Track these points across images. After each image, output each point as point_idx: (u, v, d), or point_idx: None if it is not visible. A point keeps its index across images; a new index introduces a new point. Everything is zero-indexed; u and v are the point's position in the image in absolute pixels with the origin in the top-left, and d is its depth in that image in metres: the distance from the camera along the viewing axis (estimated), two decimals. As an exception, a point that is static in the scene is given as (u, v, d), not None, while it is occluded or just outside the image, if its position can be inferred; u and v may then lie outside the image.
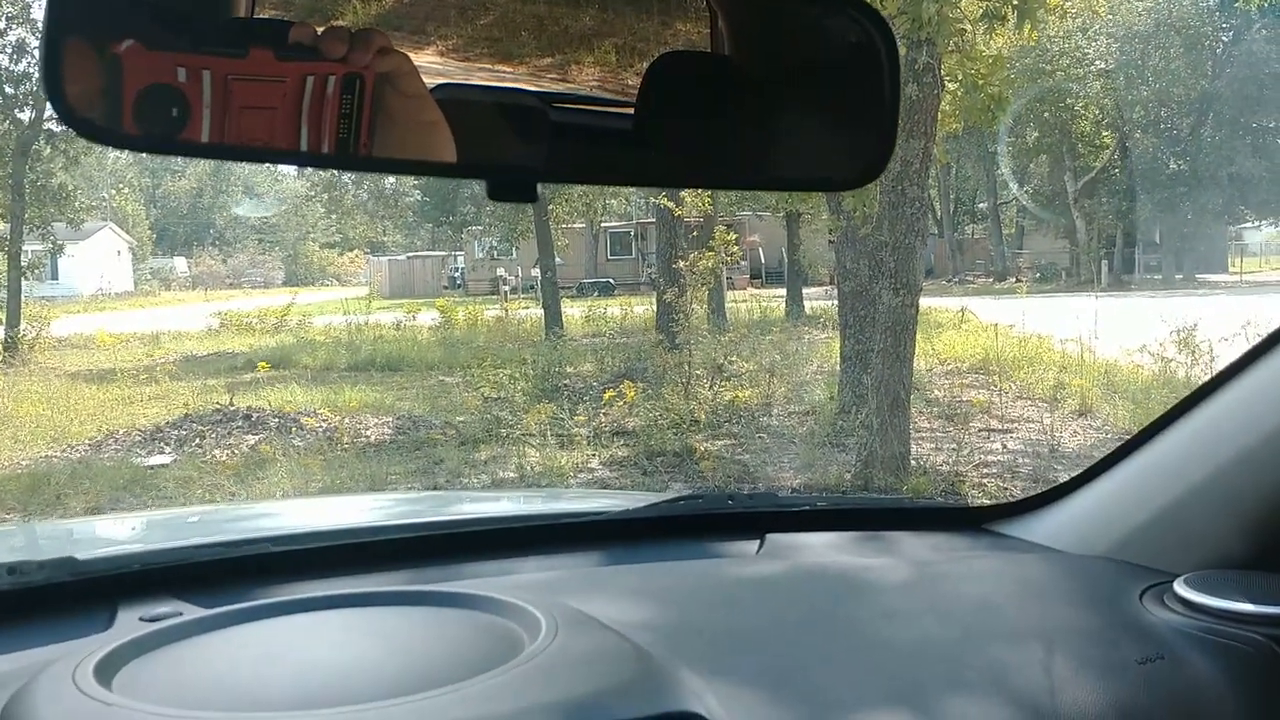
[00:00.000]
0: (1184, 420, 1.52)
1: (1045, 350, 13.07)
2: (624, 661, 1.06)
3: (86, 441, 9.79)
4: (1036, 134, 34.60)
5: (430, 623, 1.15)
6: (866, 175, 0.94)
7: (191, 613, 1.19)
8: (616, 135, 0.94)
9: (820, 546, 1.65)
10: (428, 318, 20.78)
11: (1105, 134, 34.05)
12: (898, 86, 0.90)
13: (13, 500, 7.47)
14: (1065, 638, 1.31)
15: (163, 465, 8.59)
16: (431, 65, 0.85)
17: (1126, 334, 11.94)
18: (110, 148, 0.83)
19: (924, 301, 8.05)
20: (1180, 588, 1.37)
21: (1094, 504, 1.64)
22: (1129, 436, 1.62)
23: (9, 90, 19.50)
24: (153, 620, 1.16)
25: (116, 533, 2.06)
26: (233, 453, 8.93)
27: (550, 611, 1.12)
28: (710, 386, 10.60)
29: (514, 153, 0.93)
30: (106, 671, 0.97)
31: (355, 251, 57.35)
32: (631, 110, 0.91)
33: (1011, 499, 2.72)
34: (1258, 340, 1.43)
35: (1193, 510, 1.49)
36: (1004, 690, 1.18)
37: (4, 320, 18.96)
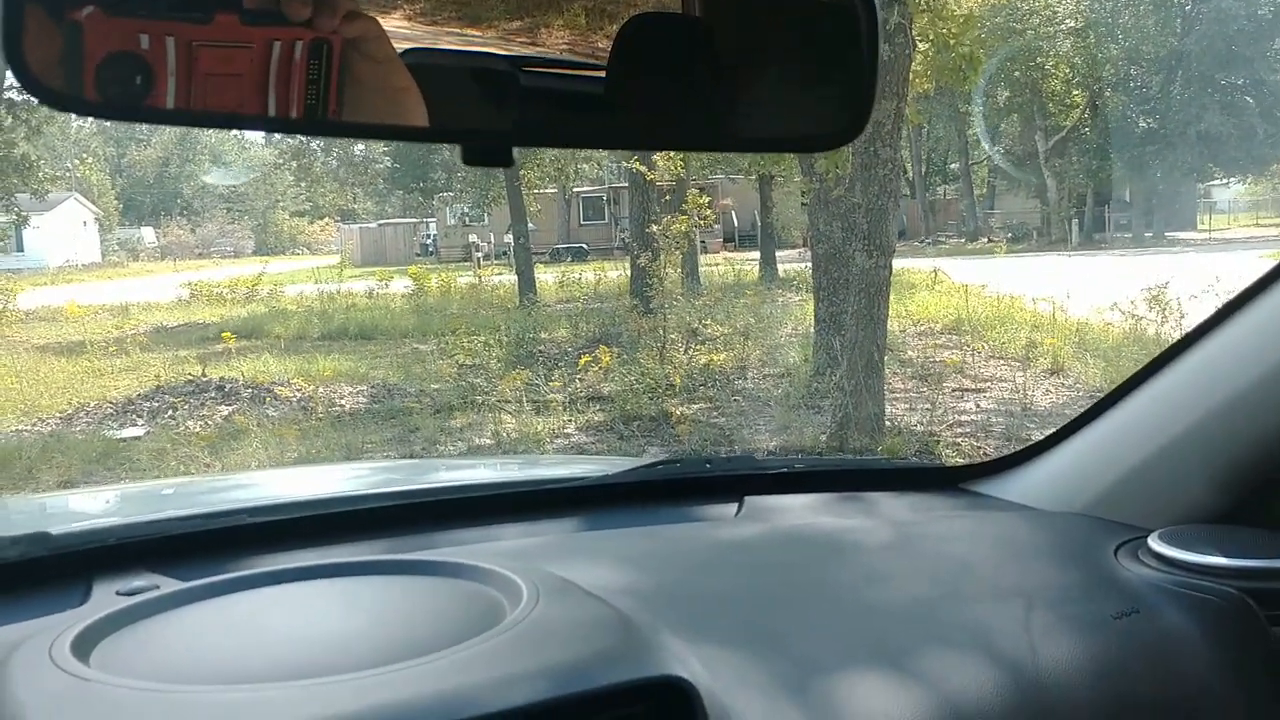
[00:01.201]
0: (1157, 377, 1.53)
1: (1017, 310, 13.15)
2: (606, 628, 1.07)
3: (57, 415, 9.70)
4: (1008, 93, 34.65)
5: (411, 591, 1.14)
6: (844, 136, 0.93)
7: (168, 586, 1.18)
8: (588, 99, 0.92)
9: (799, 508, 1.66)
10: (400, 285, 20.65)
11: (1076, 93, 34.15)
12: (876, 46, 0.89)
13: (-17, 475, 7.40)
14: (1042, 594, 1.32)
15: (135, 438, 8.53)
16: (399, 30, 0.83)
17: (1098, 292, 12.03)
18: (77, 115, 0.81)
19: (897, 263, 8.06)
20: (1154, 543, 1.39)
21: (1069, 462, 1.66)
22: (1100, 394, 1.63)
23: (-32, 59, 19.12)
24: (129, 594, 1.15)
25: (91, 507, 2.04)
26: (206, 424, 8.87)
27: (531, 578, 1.12)
28: (685, 350, 10.62)
29: (485, 117, 0.92)
30: (84, 646, 0.97)
31: (326, 219, 56.79)
32: (603, 74, 0.89)
33: (986, 458, 2.75)
34: (1228, 298, 1.44)
35: (1166, 466, 1.50)
36: (982, 647, 1.19)
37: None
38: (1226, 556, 1.33)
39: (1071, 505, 1.60)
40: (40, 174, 20.96)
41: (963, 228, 38.37)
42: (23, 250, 36.00)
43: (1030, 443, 1.76)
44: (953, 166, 44.85)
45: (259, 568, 1.23)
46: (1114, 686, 1.19)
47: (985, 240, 33.41)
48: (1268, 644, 1.26)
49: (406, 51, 0.82)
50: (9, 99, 19.08)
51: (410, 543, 1.42)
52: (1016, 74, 33.02)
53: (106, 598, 1.16)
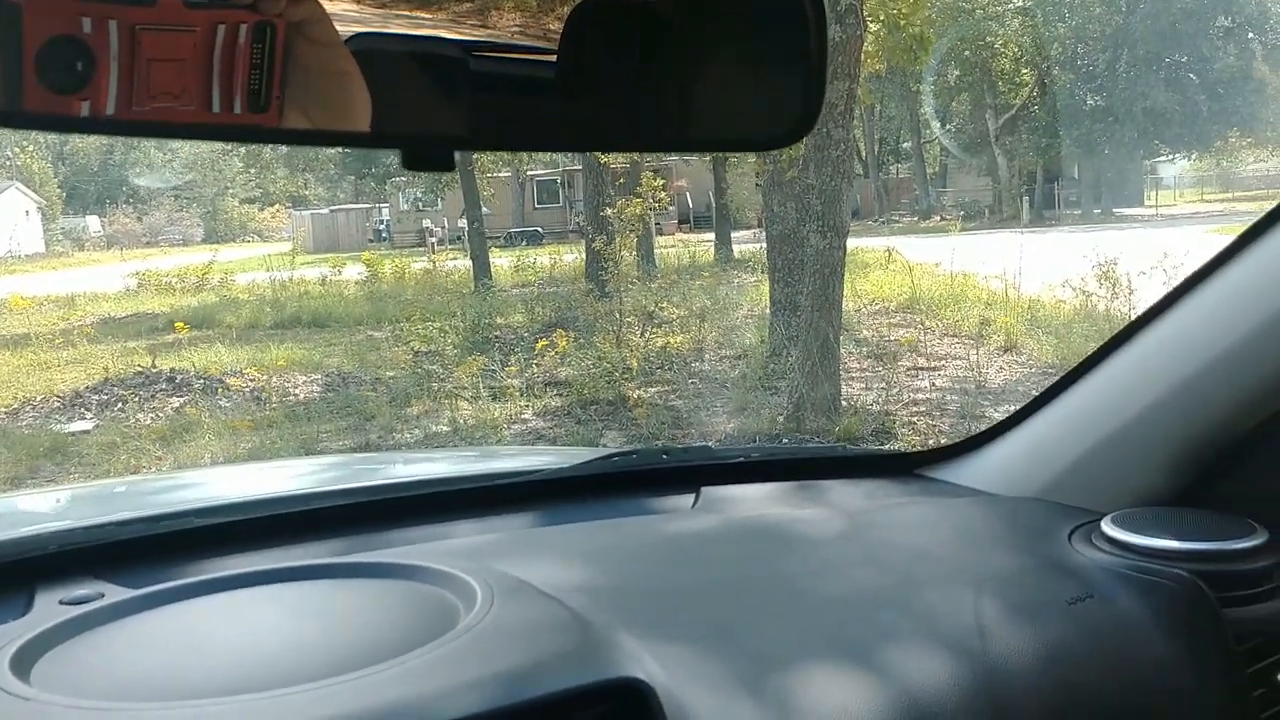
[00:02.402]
0: (1110, 361, 1.54)
1: (971, 288, 13.27)
2: (562, 630, 1.05)
3: (3, 409, 9.53)
4: (958, 73, 34.91)
5: (364, 595, 1.12)
6: (796, 132, 0.91)
7: (114, 594, 1.15)
8: (540, 85, 0.90)
9: (755, 498, 1.65)
10: (354, 272, 20.45)
11: (1024, 71, 34.46)
12: (824, 37, 0.88)
13: (-77, 473, 7.25)
14: (997, 581, 1.32)
15: (84, 431, 8.39)
16: (346, 13, 0.81)
17: (1049, 269, 12.16)
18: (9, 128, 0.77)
19: (851, 242, 8.10)
20: (1107, 526, 1.40)
21: (1023, 446, 1.67)
22: (1052, 370, 1.64)
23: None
24: (73, 603, 1.12)
25: (34, 509, 1.99)
26: (157, 416, 8.75)
27: (486, 580, 1.11)
28: (642, 334, 10.62)
29: (433, 109, 0.89)
30: (23, 663, 0.94)
31: (276, 206, 56.02)
32: (554, 58, 0.87)
33: (941, 443, 2.76)
34: (1176, 273, 1.45)
35: (1120, 449, 1.51)
36: (937, 636, 1.19)
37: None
38: (1179, 539, 1.34)
39: (1026, 490, 1.61)
40: (-21, 163, 20.47)
41: (916, 206, 38.64)
42: (-37, 241, 35.23)
43: (986, 428, 1.77)
44: (905, 146, 45.12)
45: (207, 572, 1.20)
46: (1069, 672, 1.20)
47: (938, 218, 33.67)
48: (1219, 626, 1.28)
49: (353, 36, 0.80)
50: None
51: (363, 542, 1.40)
52: (966, 53, 33.25)
53: (49, 608, 1.13)
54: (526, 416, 8.18)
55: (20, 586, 1.20)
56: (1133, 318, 1.54)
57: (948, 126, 38.20)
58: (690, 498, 1.64)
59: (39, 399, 9.79)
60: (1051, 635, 1.23)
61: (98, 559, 1.27)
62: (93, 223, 53.98)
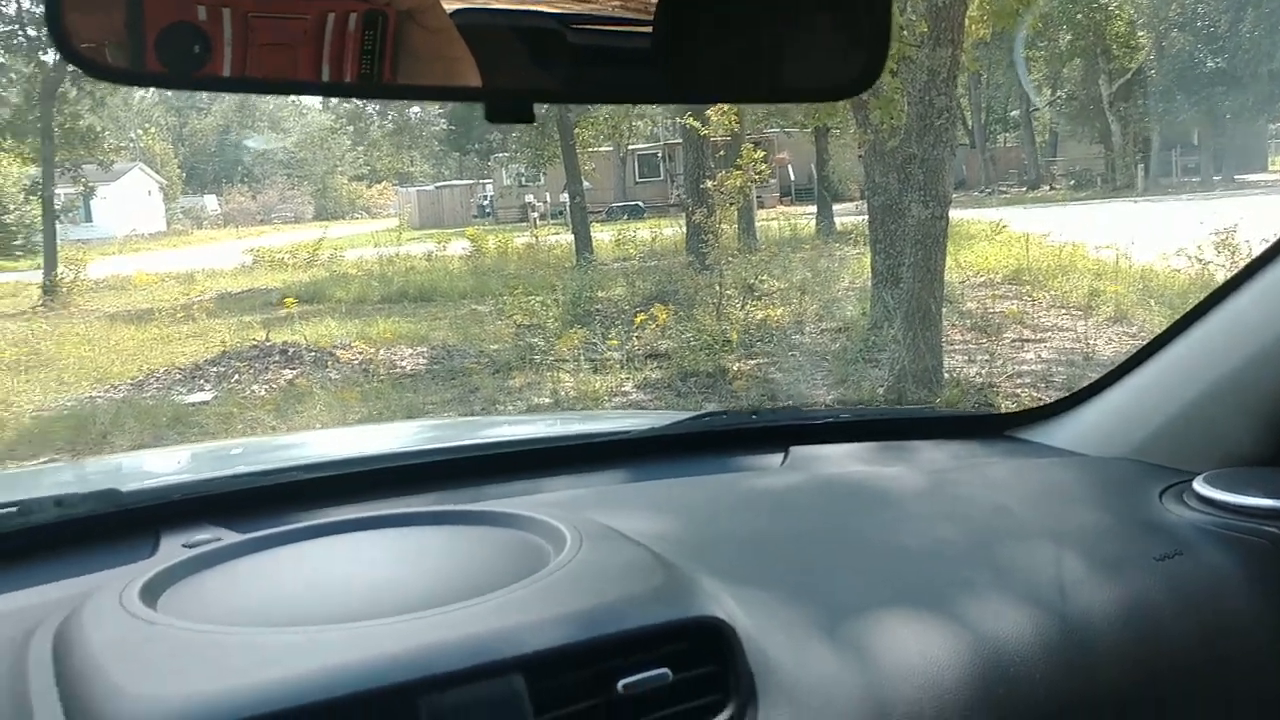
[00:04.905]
0: (1203, 321, 1.52)
1: (1080, 258, 12.91)
2: (646, 571, 1.10)
3: (128, 381, 9.94)
4: (1070, 37, 33.73)
5: (459, 540, 1.18)
6: (862, 81, 0.93)
7: (230, 538, 1.23)
8: (634, 54, 0.92)
9: (843, 457, 1.67)
10: (458, 247, 20.77)
11: (1140, 34, 33.16)
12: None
13: (60, 440, 7.62)
14: (1083, 537, 1.33)
15: (203, 402, 8.71)
16: None
17: (1164, 238, 11.76)
18: (134, 87, 0.84)
19: (956, 213, 7.97)
20: (1199, 485, 1.39)
21: (1116, 407, 1.65)
22: (1157, 340, 1.62)
23: (32, 33, 19.47)
24: (193, 546, 1.20)
25: (159, 465, 2.11)
26: (271, 388, 9.05)
27: (574, 525, 1.16)
28: (742, 306, 10.59)
29: (533, 76, 0.91)
30: (152, 593, 1.02)
31: (383, 183, 57.16)
32: (650, 30, 0.90)
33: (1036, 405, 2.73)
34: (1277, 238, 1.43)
35: (1212, 409, 1.50)
36: (1020, 589, 1.20)
37: (42, 264, 19.20)
38: (1270, 498, 1.32)
39: (1117, 450, 1.60)
40: (105, 145, 21.31)
41: (1024, 176, 37.60)
42: (91, 220, 36.74)
43: (1076, 389, 1.76)
44: (1013, 114, 43.87)
45: (315, 520, 1.27)
46: (1155, 626, 1.20)
47: (1047, 188, 32.75)
48: None
49: (456, 12, 0.83)
50: (73, 71, 19.41)
51: (459, 495, 1.46)
52: (1079, 16, 32.12)
53: (173, 550, 1.22)
54: (627, 389, 8.25)
55: (147, 531, 1.29)
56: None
57: (1059, 93, 37.03)
58: (779, 457, 1.67)
59: (161, 371, 10.20)
60: (1137, 590, 1.23)
61: (216, 507, 1.36)
62: (210, 201, 55.82)
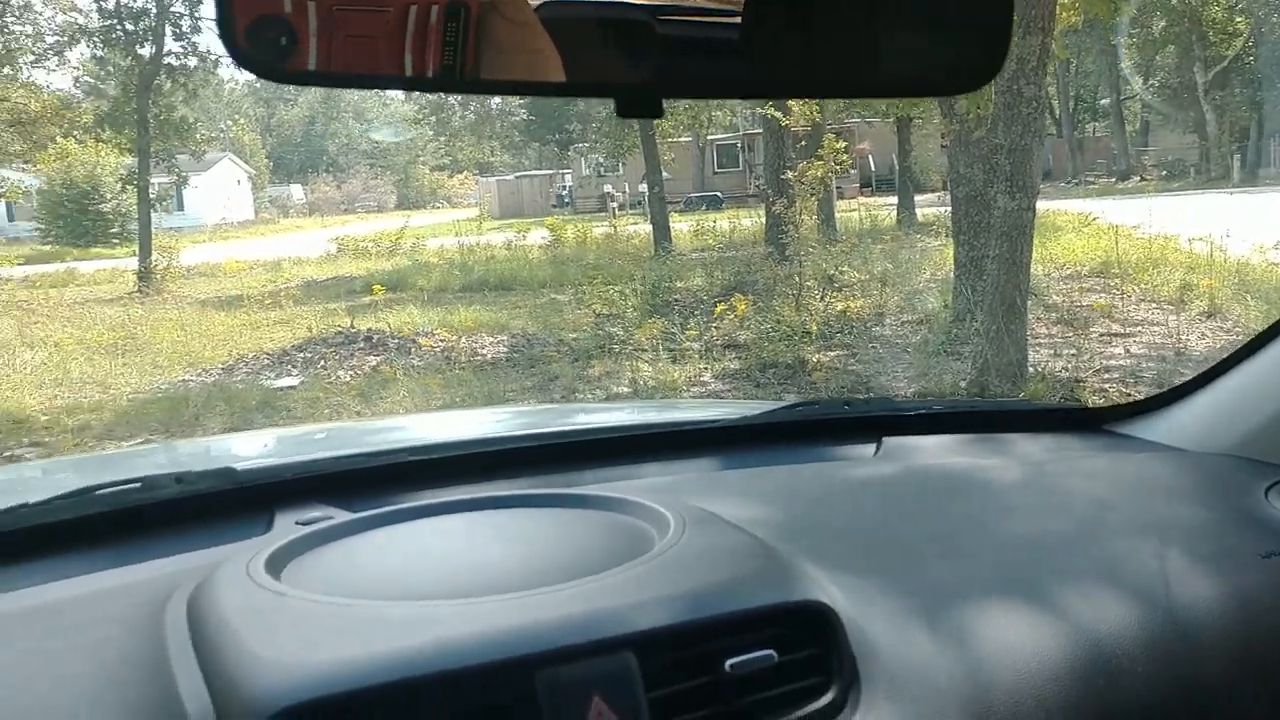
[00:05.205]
0: None
1: (1172, 251, 12.57)
2: (751, 555, 1.12)
3: (219, 365, 10.21)
4: (1163, 23, 32.80)
5: (565, 521, 1.21)
6: (982, 75, 0.92)
7: (341, 516, 1.28)
8: (724, 45, 0.92)
9: (937, 448, 1.67)
10: (537, 236, 20.92)
11: (1239, 19, 32.10)
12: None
13: (155, 422, 7.85)
14: (1186, 532, 1.31)
15: (291, 387, 8.91)
16: None
17: (1261, 231, 11.39)
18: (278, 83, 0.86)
19: (1042, 204, 7.80)
20: None
21: (1217, 402, 1.63)
22: (1257, 336, 1.59)
23: (129, 26, 20.05)
24: (307, 523, 1.25)
25: (268, 446, 2.19)
26: (355, 374, 9.22)
27: (678, 510, 1.18)
28: (821, 297, 10.53)
29: (622, 69, 0.91)
30: (276, 566, 1.07)
31: (464, 173, 57.84)
32: (739, 20, 0.89)
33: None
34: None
35: None
36: (1122, 582, 1.20)
37: (137, 252, 19.82)
38: None
39: (1220, 446, 1.57)
40: (198, 136, 21.87)
41: (1113, 166, 36.68)
42: (183, 209, 37.78)
43: (1176, 384, 1.73)
44: (1103, 102, 42.81)
45: (420, 501, 1.32)
46: (1261, 622, 1.19)
47: (1138, 179, 31.92)
48: None
49: (542, 5, 0.84)
50: (168, 64, 19.99)
51: (557, 480, 1.49)
52: (1173, 2, 31.22)
53: (287, 526, 1.27)
54: (705, 379, 8.26)
55: (262, 509, 1.35)
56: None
57: (1151, 81, 36.03)
58: (872, 447, 1.67)
59: (250, 356, 10.46)
60: (1242, 586, 1.22)
61: (327, 487, 1.41)
62: (296, 191, 57.01)
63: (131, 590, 1.11)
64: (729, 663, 0.95)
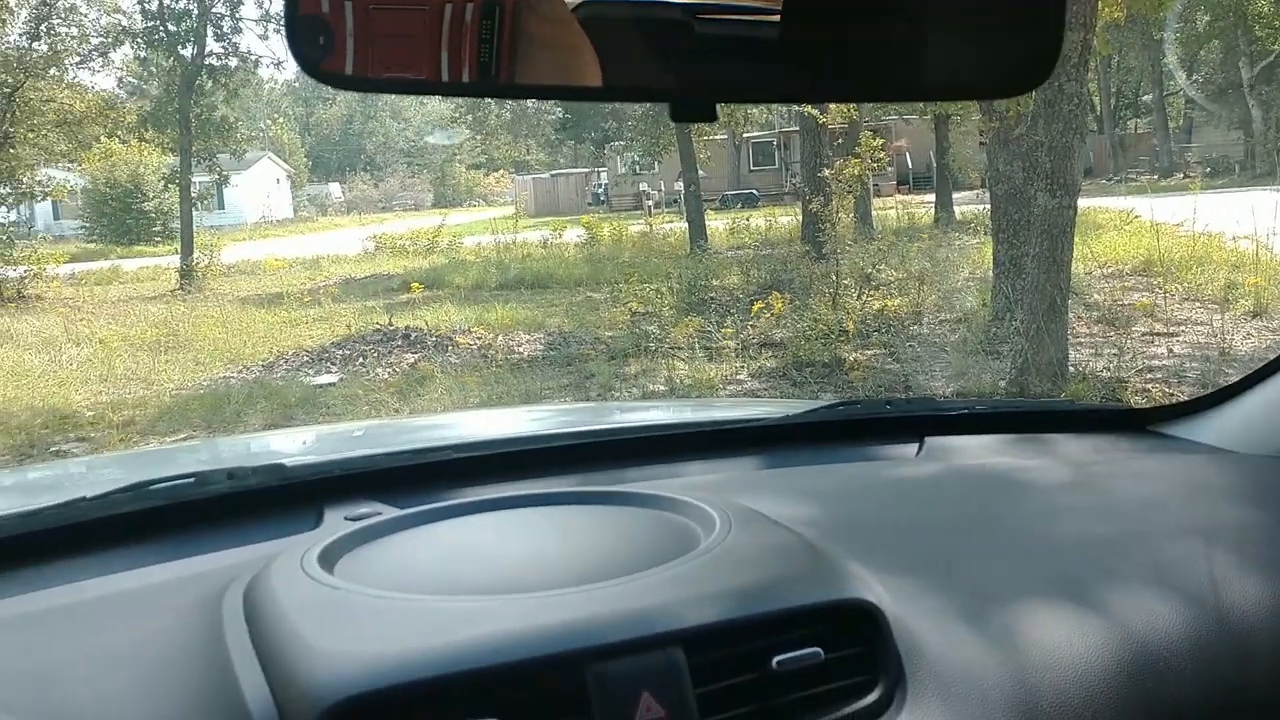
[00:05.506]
0: None
1: (1216, 249, 12.40)
2: (797, 554, 1.12)
3: (259, 362, 10.32)
4: (1208, 18, 32.33)
5: (611, 519, 1.22)
6: (1033, 77, 0.90)
7: (389, 512, 1.30)
8: (764, 45, 0.91)
9: (980, 449, 1.67)
10: (573, 235, 20.98)
11: (1286, 14, 31.60)
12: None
13: (197, 418, 7.96)
14: (1238, 536, 1.30)
15: (330, 384, 8.99)
16: None
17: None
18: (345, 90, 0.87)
19: (1082, 202, 7.72)
20: None
21: (1267, 403, 1.61)
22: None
23: (172, 27, 20.32)
24: (355, 519, 1.27)
25: (306, 444, 2.22)
26: (394, 371, 9.29)
27: (723, 508, 1.19)
28: (858, 296, 10.48)
29: (661, 70, 0.90)
30: (329, 560, 1.09)
31: (500, 171, 58.13)
32: (778, 18, 0.88)
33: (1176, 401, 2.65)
34: None
35: None
36: (1171, 584, 1.19)
37: (179, 250, 20.09)
38: None
39: (1270, 448, 1.56)
40: (238, 135, 22.15)
41: (1155, 163, 36.21)
42: (223, 208, 38.22)
43: (1223, 385, 1.71)
44: (1145, 98, 42.27)
45: (466, 498, 1.33)
46: None
47: (1180, 176, 31.48)
48: None
49: (580, 5, 0.84)
50: (209, 64, 20.24)
51: (599, 478, 1.50)
52: (1218, -4, 30.79)
53: (336, 522, 1.29)
54: (741, 377, 8.25)
55: (311, 504, 1.37)
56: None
57: (1194, 77, 35.52)
58: (914, 447, 1.67)
59: (290, 353, 10.57)
60: None
61: (373, 483, 1.43)
62: (334, 189, 57.52)
63: (187, 583, 1.14)
64: (776, 659, 0.95)
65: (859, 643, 1.01)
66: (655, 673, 0.91)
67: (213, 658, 0.96)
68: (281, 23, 0.79)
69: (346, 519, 1.29)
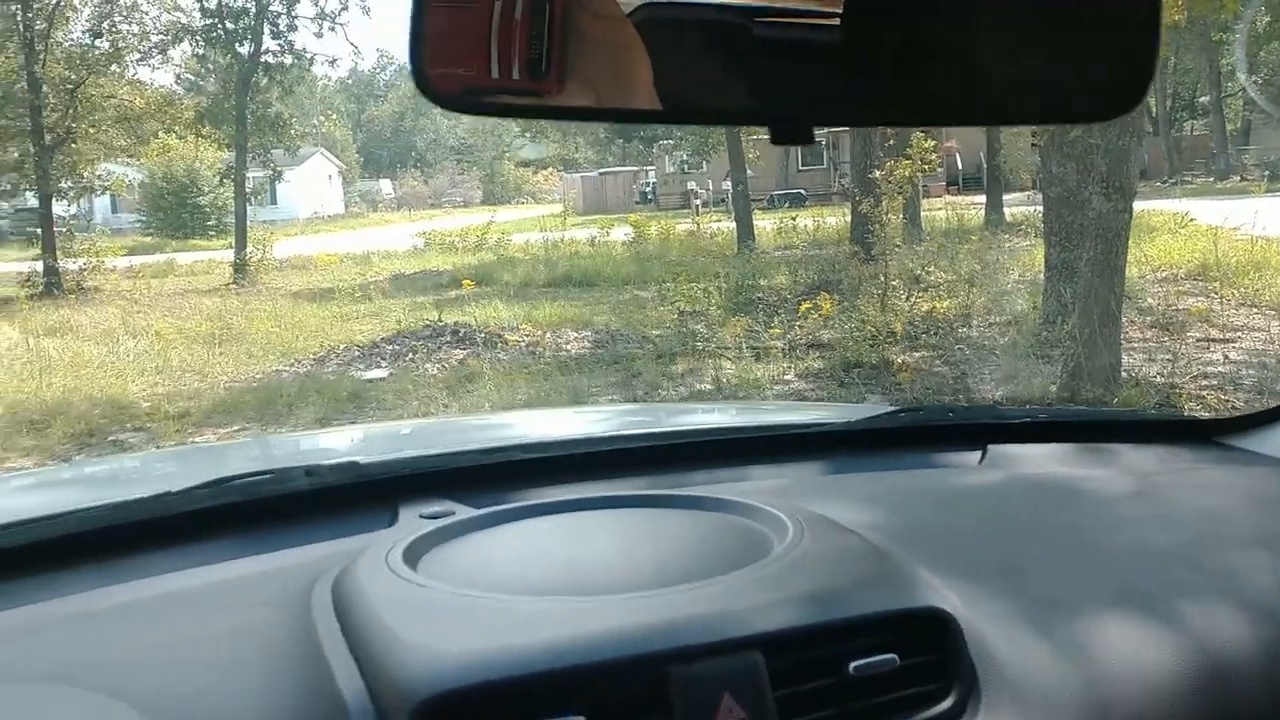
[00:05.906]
0: None
1: (1275, 254, 12.18)
2: (870, 560, 1.14)
3: (310, 356, 10.44)
4: (1269, 19, 31.70)
5: (683, 523, 1.25)
6: (1125, 102, 0.86)
7: (462, 512, 1.33)
8: (825, 51, 0.88)
9: (1043, 458, 1.67)
10: (621, 233, 21.00)
11: (1349, 14, 30.90)
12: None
13: (250, 410, 8.07)
14: None
15: (380, 379, 9.08)
16: None
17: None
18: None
19: (1137, 204, 7.62)
20: None
21: None
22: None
23: (230, 25, 20.62)
24: (431, 518, 1.30)
25: (384, 440, 2.26)
26: (443, 367, 9.35)
27: (794, 514, 1.20)
28: (907, 298, 10.42)
29: (723, 82, 0.88)
30: (412, 558, 1.12)
31: (549, 169, 58.33)
32: (838, 20, 0.85)
33: (1237, 411, 2.63)
34: None
35: None
36: (1235, 595, 1.19)
37: (233, 244, 20.40)
38: None
39: None
40: (291, 131, 22.44)
41: (1212, 166, 35.58)
42: (276, 203, 38.65)
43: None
44: (1202, 100, 41.56)
45: (536, 499, 1.36)
46: None
47: (1238, 179, 30.90)
48: None
49: (638, 8, 0.84)
50: (265, 62, 20.53)
51: (665, 480, 1.52)
52: (1279, -3, 30.15)
53: (411, 520, 1.32)
54: (788, 378, 8.23)
55: (386, 502, 1.41)
56: None
57: (1255, 78, 34.86)
58: (977, 455, 1.68)
59: (341, 348, 10.69)
60: None
61: (446, 482, 1.46)
62: (385, 185, 58.01)
63: (274, 577, 1.17)
64: (853, 665, 0.97)
65: (933, 650, 1.02)
66: (736, 675, 0.93)
67: (305, 651, 0.99)
68: (407, 37, 0.79)
69: (421, 516, 1.32)
